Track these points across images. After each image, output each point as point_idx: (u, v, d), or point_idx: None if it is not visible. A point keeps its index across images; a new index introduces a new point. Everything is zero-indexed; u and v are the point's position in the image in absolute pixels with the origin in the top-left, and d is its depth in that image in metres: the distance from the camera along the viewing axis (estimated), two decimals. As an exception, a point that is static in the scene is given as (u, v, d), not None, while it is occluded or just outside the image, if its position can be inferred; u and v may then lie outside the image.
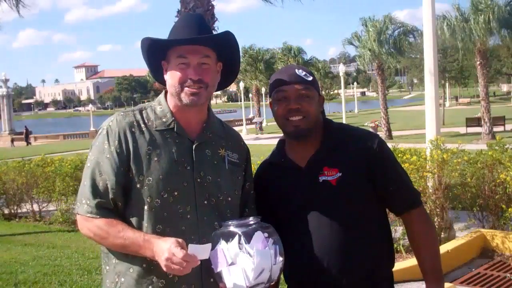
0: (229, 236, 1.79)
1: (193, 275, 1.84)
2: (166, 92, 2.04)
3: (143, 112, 2.00)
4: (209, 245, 1.74)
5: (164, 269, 1.72)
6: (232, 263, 1.77)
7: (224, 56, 2.02)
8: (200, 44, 1.92)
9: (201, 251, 1.71)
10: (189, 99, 1.92)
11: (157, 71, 2.04)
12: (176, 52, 1.93)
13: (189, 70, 1.91)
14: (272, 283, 1.82)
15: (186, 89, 1.92)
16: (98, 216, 1.86)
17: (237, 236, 1.77)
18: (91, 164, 1.92)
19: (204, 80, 1.93)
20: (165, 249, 1.70)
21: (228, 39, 1.99)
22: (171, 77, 1.95)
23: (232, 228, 1.81)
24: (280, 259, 1.81)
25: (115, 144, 1.90)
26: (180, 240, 1.73)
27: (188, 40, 1.91)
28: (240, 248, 1.76)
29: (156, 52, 1.99)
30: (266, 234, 1.81)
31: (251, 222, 1.83)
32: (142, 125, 1.95)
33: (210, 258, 1.80)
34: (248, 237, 1.77)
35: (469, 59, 32.01)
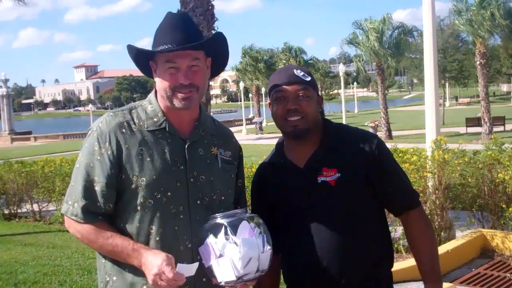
0: (216, 228, 1.79)
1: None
2: (156, 91, 2.00)
3: (133, 111, 1.97)
4: (196, 264, 1.74)
5: (150, 283, 1.73)
6: (221, 255, 1.76)
7: (213, 51, 1.99)
8: (189, 49, 1.88)
9: (188, 270, 1.72)
10: (181, 104, 1.90)
11: (146, 69, 2.01)
12: (164, 57, 1.89)
13: (179, 74, 1.88)
14: (262, 273, 1.81)
15: (178, 94, 1.89)
16: (83, 221, 1.85)
17: (223, 227, 1.77)
18: (81, 166, 1.90)
19: (195, 83, 1.90)
20: (155, 265, 1.70)
21: (217, 40, 1.97)
22: (162, 82, 1.92)
23: (218, 220, 1.80)
24: (268, 247, 1.80)
25: (105, 146, 1.88)
26: (170, 256, 1.72)
27: (176, 49, 1.85)
28: (226, 239, 1.76)
29: (144, 56, 1.96)
30: (252, 224, 1.80)
31: (237, 212, 1.83)
32: (133, 126, 1.92)
33: (200, 253, 1.81)
34: (235, 227, 1.77)
35: (469, 59, 32.05)
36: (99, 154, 1.88)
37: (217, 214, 1.83)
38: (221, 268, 1.75)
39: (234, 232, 1.76)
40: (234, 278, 1.74)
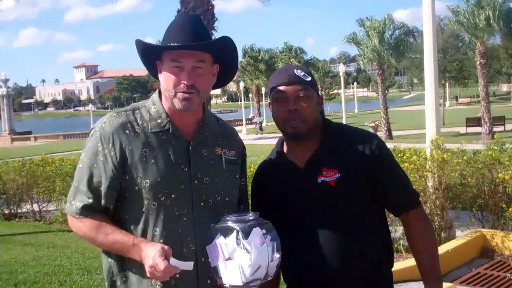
0: (227, 231, 1.79)
1: (190, 278, 1.85)
2: (160, 91, 2.00)
3: (136, 112, 1.96)
4: (191, 263, 1.75)
5: (148, 275, 1.74)
6: (229, 258, 1.76)
7: (221, 58, 1.98)
8: (194, 48, 1.88)
9: (183, 265, 1.72)
10: (181, 104, 1.88)
11: (153, 69, 2.01)
12: (169, 55, 1.88)
13: (182, 74, 1.87)
14: (268, 280, 1.81)
15: (178, 94, 1.88)
16: (83, 217, 1.86)
17: (235, 232, 1.77)
18: (84, 166, 1.90)
19: (197, 85, 1.88)
20: (150, 257, 1.71)
21: (224, 44, 1.95)
22: (165, 81, 1.91)
23: (230, 224, 1.80)
24: (277, 256, 1.81)
25: (109, 147, 1.87)
26: (166, 247, 1.72)
27: (181, 47, 1.85)
28: (237, 244, 1.76)
29: (150, 53, 1.96)
30: (264, 230, 1.80)
31: (250, 218, 1.82)
32: (136, 127, 1.91)
33: (207, 252, 1.81)
34: (246, 233, 1.77)
35: (469, 59, 32.06)
36: (103, 155, 1.87)
37: (228, 217, 1.83)
38: (229, 271, 1.76)
39: (246, 237, 1.76)
40: (240, 283, 1.75)
